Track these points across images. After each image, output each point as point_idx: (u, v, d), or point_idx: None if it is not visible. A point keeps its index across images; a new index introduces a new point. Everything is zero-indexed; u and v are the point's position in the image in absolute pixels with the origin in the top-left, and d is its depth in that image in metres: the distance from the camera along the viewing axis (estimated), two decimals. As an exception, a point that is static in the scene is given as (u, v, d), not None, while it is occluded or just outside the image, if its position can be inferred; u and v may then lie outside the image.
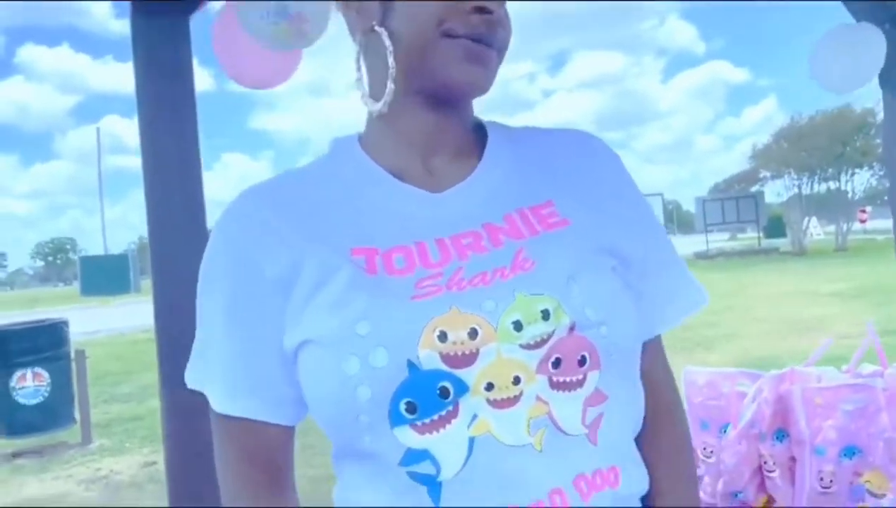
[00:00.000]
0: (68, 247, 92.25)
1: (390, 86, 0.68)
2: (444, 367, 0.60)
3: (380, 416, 0.60)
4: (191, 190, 1.90)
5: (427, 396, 0.60)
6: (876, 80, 2.94)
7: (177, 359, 1.82)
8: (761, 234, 27.58)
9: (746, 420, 1.04)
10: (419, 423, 0.60)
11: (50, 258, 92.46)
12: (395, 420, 0.60)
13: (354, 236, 0.67)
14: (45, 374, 5.66)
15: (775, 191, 27.91)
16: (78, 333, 7.71)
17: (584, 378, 0.63)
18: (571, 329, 0.62)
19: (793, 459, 1.03)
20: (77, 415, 5.82)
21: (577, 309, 0.63)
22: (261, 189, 0.72)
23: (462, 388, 0.60)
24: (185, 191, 1.88)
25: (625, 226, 0.72)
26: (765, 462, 1.06)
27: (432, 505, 0.61)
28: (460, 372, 0.60)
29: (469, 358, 0.60)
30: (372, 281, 0.64)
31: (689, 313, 0.76)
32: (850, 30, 2.42)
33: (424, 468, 0.60)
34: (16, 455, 5.57)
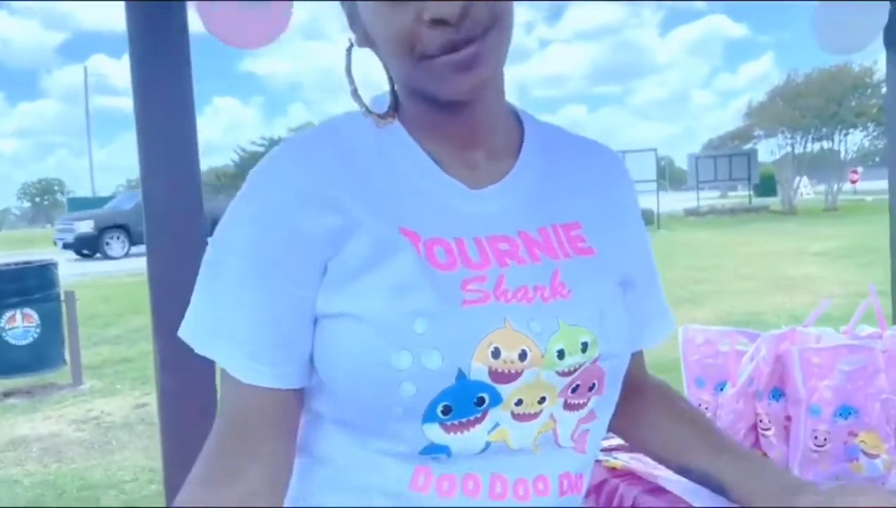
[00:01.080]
0: (56, 187, 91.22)
1: (375, 114, 0.69)
2: (489, 381, 0.62)
3: (415, 412, 0.62)
4: (185, 133, 1.86)
5: (464, 403, 0.62)
6: (880, 39, 2.91)
7: (170, 308, 1.81)
8: (752, 193, 27.63)
9: (745, 378, 1.05)
10: (448, 423, 0.63)
11: (37, 199, 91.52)
12: (429, 417, 0.62)
13: (400, 215, 0.66)
14: (35, 315, 5.65)
15: (768, 150, 27.90)
16: (66, 275, 7.66)
17: (588, 401, 0.69)
18: (596, 360, 0.67)
19: (788, 418, 1.04)
20: (67, 357, 5.83)
21: (605, 343, 0.67)
22: (301, 146, 0.68)
23: (497, 401, 0.63)
24: (178, 135, 1.84)
25: (634, 253, 0.77)
26: (760, 421, 1.07)
27: (429, 460, 0.64)
28: (500, 387, 0.63)
29: (513, 377, 0.63)
30: (419, 264, 0.63)
31: (667, 333, 0.83)
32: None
33: (439, 459, 0.64)
34: (6, 394, 5.60)
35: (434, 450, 0.64)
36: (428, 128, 0.69)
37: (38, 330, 5.66)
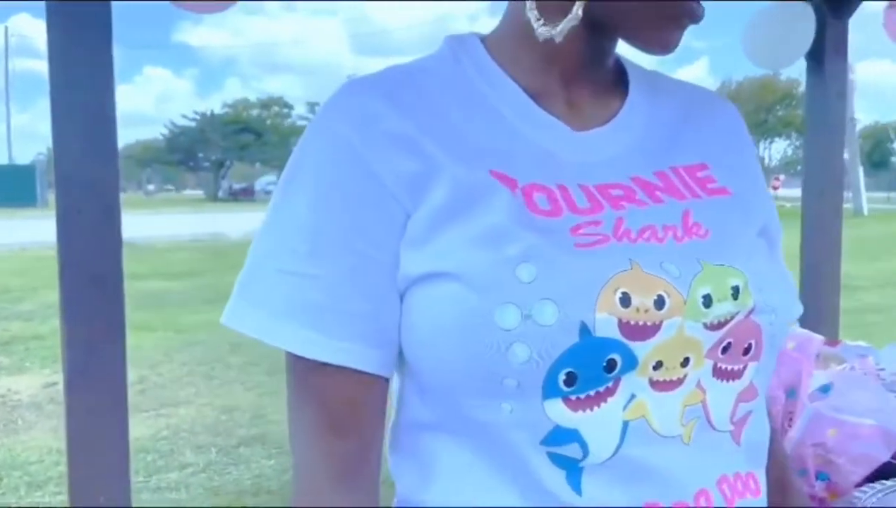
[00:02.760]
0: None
1: (577, 13, 0.54)
2: (620, 337, 0.50)
3: (532, 384, 0.49)
4: (101, 103, 1.78)
5: (592, 369, 0.50)
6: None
7: (79, 283, 1.73)
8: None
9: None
10: (573, 398, 0.50)
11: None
12: (549, 391, 0.49)
13: (490, 158, 0.55)
14: (-61, 287, 5.35)
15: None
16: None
17: (745, 369, 0.56)
18: (750, 312, 0.55)
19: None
20: (-26, 332, 5.55)
21: (759, 290, 0.55)
22: (373, 81, 0.57)
23: (631, 363, 0.50)
24: (95, 105, 1.76)
25: (767, 204, 0.66)
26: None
27: (571, 493, 0.51)
28: (635, 345, 0.50)
29: (650, 331, 0.50)
30: (519, 207, 0.53)
31: (798, 313, 0.66)
32: (781, 7, 2.47)
33: (570, 450, 0.51)
34: None
35: (560, 437, 0.50)
36: (529, 62, 0.59)
37: (-58, 302, 5.36)
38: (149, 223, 17.09)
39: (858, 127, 24.47)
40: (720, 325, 0.53)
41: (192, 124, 46.28)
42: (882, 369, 1.65)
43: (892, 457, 1.02)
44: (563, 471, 0.51)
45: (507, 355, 0.49)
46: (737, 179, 0.63)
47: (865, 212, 21.01)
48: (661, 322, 0.51)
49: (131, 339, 1.61)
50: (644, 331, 0.50)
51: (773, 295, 0.57)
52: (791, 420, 0.98)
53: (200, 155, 47.56)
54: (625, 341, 0.50)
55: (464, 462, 0.54)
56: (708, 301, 0.53)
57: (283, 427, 3.51)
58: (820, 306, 2.66)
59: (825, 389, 0.97)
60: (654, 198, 0.57)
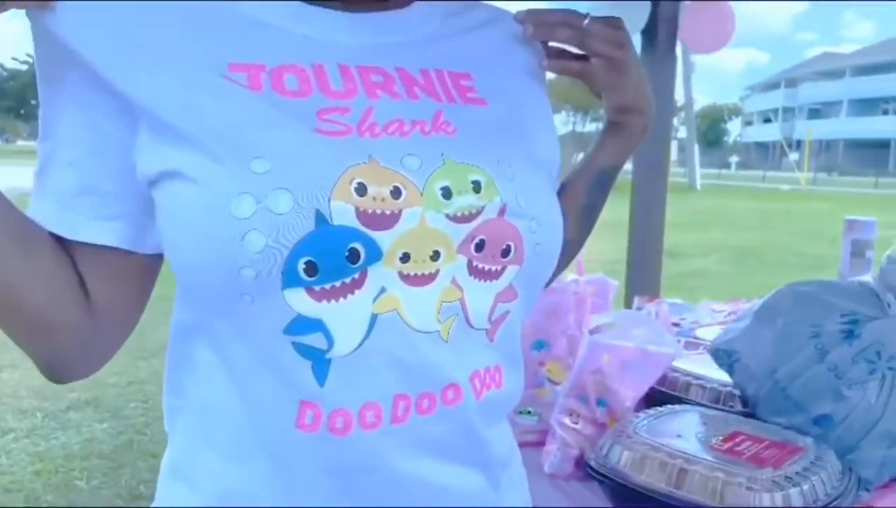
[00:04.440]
0: None
1: None
2: (359, 226, 0.50)
3: (271, 272, 0.49)
4: None
5: (332, 258, 0.50)
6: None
7: None
8: (536, 164, 29.54)
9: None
10: (317, 288, 0.50)
11: None
12: (289, 280, 0.49)
13: (231, 50, 0.54)
14: None
15: (553, 126, 29.92)
16: None
17: (503, 270, 0.57)
18: (502, 212, 0.56)
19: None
20: None
21: (509, 191, 0.56)
22: None
23: (375, 254, 0.51)
24: None
25: (542, 126, 0.67)
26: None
27: (315, 384, 0.52)
28: (376, 235, 0.51)
29: (389, 220, 0.51)
30: (258, 98, 0.53)
31: None
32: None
33: (314, 340, 0.51)
34: None
35: (303, 326, 0.51)
36: None
37: None
38: (-30, 174, 15.40)
39: (696, 107, 26.39)
40: (466, 218, 0.54)
41: (24, 67, 42.09)
42: (683, 318, 1.85)
43: (662, 385, 1.16)
44: (308, 362, 0.52)
45: (242, 243, 0.49)
46: (499, 95, 0.64)
47: (699, 186, 22.81)
48: (401, 211, 0.51)
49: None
50: (383, 220, 0.51)
51: (531, 202, 0.58)
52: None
53: (34, 102, 43.41)
54: (365, 230, 0.50)
55: (215, 358, 0.56)
56: (447, 193, 0.54)
57: (118, 390, 3.38)
58: (644, 269, 2.91)
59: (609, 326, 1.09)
60: (410, 93, 0.58)
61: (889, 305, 0.99)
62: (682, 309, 1.96)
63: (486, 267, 0.56)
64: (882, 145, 50.33)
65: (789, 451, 0.94)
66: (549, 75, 0.72)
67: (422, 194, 0.53)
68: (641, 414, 1.04)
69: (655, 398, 1.12)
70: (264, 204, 0.49)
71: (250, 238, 0.49)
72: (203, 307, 0.55)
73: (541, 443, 1.09)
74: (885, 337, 0.97)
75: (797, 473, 0.88)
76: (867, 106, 52.39)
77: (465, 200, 0.54)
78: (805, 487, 0.87)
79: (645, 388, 1.07)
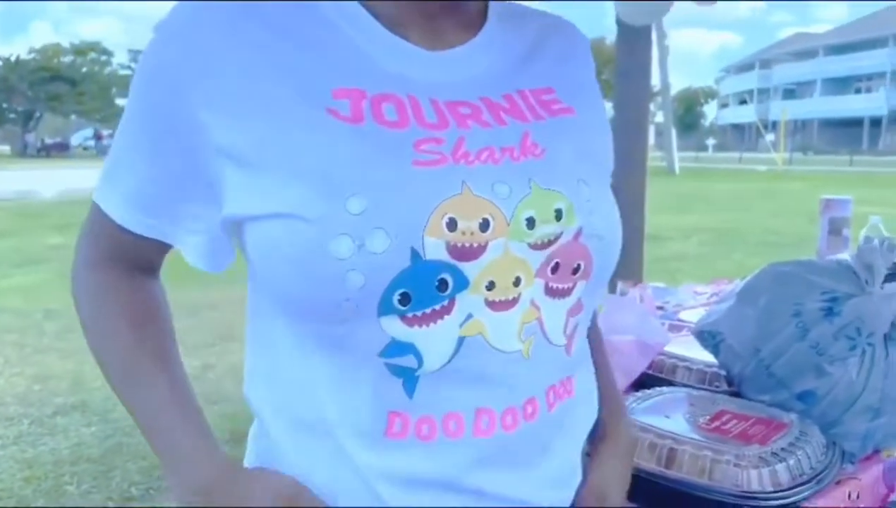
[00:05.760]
0: None
1: None
2: (449, 259, 0.54)
3: (369, 304, 0.53)
4: None
5: (424, 288, 0.53)
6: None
7: None
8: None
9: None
10: (409, 315, 0.54)
11: None
12: (385, 309, 0.53)
13: (334, 76, 0.57)
14: None
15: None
16: None
17: (574, 287, 0.60)
18: (577, 235, 0.59)
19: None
20: None
21: (585, 213, 0.60)
22: (210, 3, 0.57)
23: (462, 283, 0.54)
24: None
25: (607, 129, 0.71)
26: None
27: (405, 397, 0.56)
28: (464, 265, 0.54)
29: (476, 252, 0.54)
30: (359, 133, 0.55)
31: None
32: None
33: (405, 361, 0.55)
34: None
35: (397, 350, 0.55)
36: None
37: None
38: (-57, 181, 15.15)
39: (672, 92, 26.52)
40: (545, 245, 0.57)
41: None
42: (667, 302, 1.88)
43: (649, 368, 1.18)
44: (399, 379, 0.56)
45: (344, 283, 0.52)
46: (581, 100, 0.67)
47: (677, 170, 22.95)
48: (487, 243, 0.55)
49: None
50: (471, 252, 0.54)
51: (602, 222, 0.61)
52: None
53: (4, 105, 42.62)
54: (453, 261, 0.54)
55: (308, 363, 0.59)
56: (531, 223, 0.57)
57: (104, 392, 3.34)
58: (626, 254, 2.94)
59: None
60: (498, 119, 0.60)
61: (867, 282, 1.01)
62: (664, 292, 1.99)
63: (560, 287, 0.60)
64: (855, 123, 50.94)
65: (775, 427, 0.96)
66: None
67: (509, 224, 0.56)
68: (630, 397, 1.06)
69: (643, 381, 1.14)
70: (362, 244, 0.52)
71: (350, 278, 0.52)
72: (296, 325, 0.59)
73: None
74: (864, 313, 1.00)
75: (783, 448, 0.91)
76: (840, 85, 52.96)
77: (546, 229, 0.58)
78: (791, 462, 0.89)
79: (635, 375, 1.09)
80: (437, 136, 0.57)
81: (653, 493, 0.90)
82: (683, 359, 1.23)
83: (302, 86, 0.56)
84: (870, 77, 50.91)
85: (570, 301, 0.60)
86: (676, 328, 1.46)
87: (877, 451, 1.06)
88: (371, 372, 0.56)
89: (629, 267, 2.81)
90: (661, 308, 1.76)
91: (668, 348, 1.25)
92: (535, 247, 0.57)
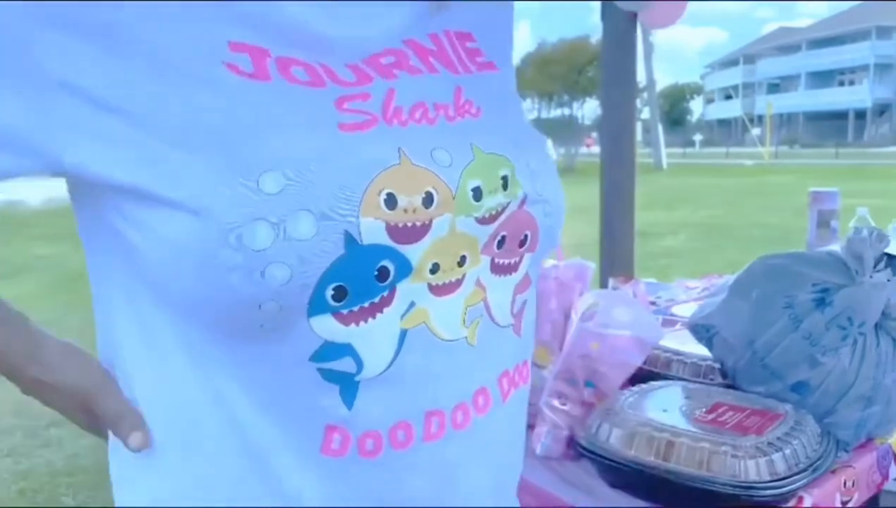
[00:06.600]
0: None
1: None
2: (390, 242, 0.45)
3: (296, 303, 0.44)
4: None
5: (362, 279, 0.45)
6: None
7: None
8: (504, 152, 29.72)
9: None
10: (345, 312, 0.45)
11: None
12: (316, 307, 0.44)
13: (231, 29, 0.46)
14: None
15: (519, 113, 30.19)
16: None
17: (520, 261, 0.54)
18: (522, 203, 0.52)
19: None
20: None
21: (528, 179, 0.52)
22: None
23: (405, 270, 0.46)
24: None
25: (519, 100, 0.62)
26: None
27: (343, 407, 0.47)
28: (406, 249, 0.46)
29: (420, 232, 0.46)
30: (267, 91, 0.44)
31: None
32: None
33: (342, 365, 0.46)
34: None
35: (332, 353, 0.46)
36: None
37: None
38: (-73, 193, 15.02)
39: (658, 88, 26.67)
40: (492, 218, 0.50)
41: None
42: (659, 297, 1.89)
43: (645, 363, 1.19)
44: (336, 386, 0.47)
45: (262, 279, 0.42)
46: (501, 53, 0.59)
47: (665, 166, 23.07)
48: (431, 220, 0.47)
49: None
50: (414, 233, 0.46)
51: (546, 186, 0.54)
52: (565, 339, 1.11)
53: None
54: (395, 245, 0.45)
55: (211, 377, 0.48)
56: (478, 194, 0.49)
57: (97, 399, 3.28)
58: (617, 251, 2.95)
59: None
60: (427, 65, 0.52)
61: (857, 273, 1.02)
62: (657, 287, 2.02)
63: (506, 262, 0.53)
64: (840, 116, 51.34)
65: (770, 418, 0.97)
66: (515, 62, 0.68)
67: (454, 197, 0.48)
68: (627, 392, 1.07)
69: (638, 375, 1.15)
70: (283, 230, 0.42)
71: (272, 272, 0.42)
72: (204, 333, 0.48)
73: (530, 426, 1.11)
74: (855, 303, 1.01)
75: (779, 438, 0.92)
76: (824, 78, 53.36)
77: (494, 200, 0.50)
78: (787, 451, 0.90)
79: (632, 370, 1.10)
80: (361, 91, 0.48)
81: (652, 485, 0.91)
82: (678, 353, 1.24)
83: (192, 33, 0.44)
84: (853, 70, 51.34)
85: (517, 277, 0.54)
86: (670, 323, 1.48)
87: (870, 439, 1.07)
88: (297, 380, 0.46)
89: (621, 264, 2.81)
90: (653, 303, 1.78)
91: (662, 342, 1.26)
92: (482, 221, 0.50)
